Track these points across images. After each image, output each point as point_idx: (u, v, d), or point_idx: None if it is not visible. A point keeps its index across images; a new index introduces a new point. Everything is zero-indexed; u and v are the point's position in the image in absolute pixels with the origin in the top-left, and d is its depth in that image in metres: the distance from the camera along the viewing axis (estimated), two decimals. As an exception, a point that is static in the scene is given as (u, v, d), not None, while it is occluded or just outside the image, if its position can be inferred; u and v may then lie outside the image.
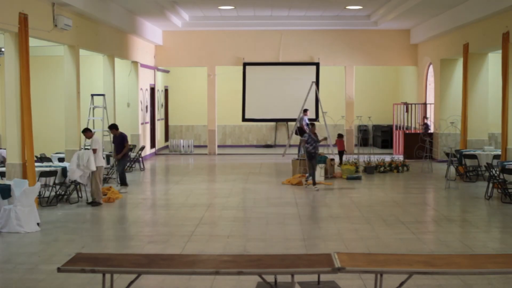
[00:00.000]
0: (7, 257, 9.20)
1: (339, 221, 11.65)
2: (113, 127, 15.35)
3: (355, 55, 24.78)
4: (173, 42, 24.75)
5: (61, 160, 15.68)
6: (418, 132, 23.00)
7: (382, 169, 18.67)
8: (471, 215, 12.40)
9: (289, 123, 27.76)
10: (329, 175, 17.55)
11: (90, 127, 16.07)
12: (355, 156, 20.58)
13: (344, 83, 25.16)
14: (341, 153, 19.87)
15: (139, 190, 16.18)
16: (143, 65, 22.46)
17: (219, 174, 19.92)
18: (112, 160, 16.67)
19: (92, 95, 17.25)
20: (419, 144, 20.63)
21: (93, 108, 17.19)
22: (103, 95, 17.03)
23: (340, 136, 20.26)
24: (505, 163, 13.57)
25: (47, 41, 14.46)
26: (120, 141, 15.22)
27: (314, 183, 15.55)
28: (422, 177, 17.86)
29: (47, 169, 13.28)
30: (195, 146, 26.51)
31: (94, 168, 13.23)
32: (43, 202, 13.13)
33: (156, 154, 24.60)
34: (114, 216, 12.71)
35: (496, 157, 16.01)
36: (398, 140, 24.13)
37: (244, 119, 25.08)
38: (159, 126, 25.77)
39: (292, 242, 10.02)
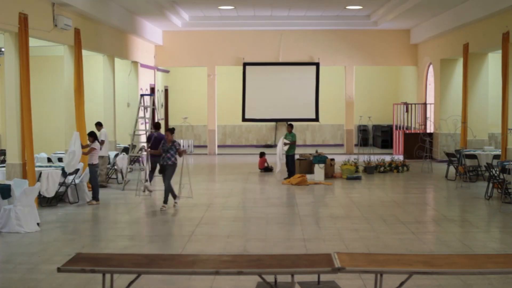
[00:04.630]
0: (7, 257, 9.19)
1: (339, 221, 11.65)
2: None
3: (355, 55, 24.78)
4: (173, 42, 24.76)
5: (61, 160, 15.68)
6: (418, 132, 23.01)
7: (382, 169, 18.68)
8: (471, 215, 12.40)
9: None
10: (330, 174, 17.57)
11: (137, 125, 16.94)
12: (355, 156, 20.59)
13: (344, 83, 25.16)
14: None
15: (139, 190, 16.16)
16: (143, 65, 22.46)
17: (219, 174, 19.93)
18: (112, 159, 16.67)
19: (142, 95, 17.13)
20: (419, 144, 20.64)
21: (144, 108, 16.92)
22: (151, 95, 18.07)
23: (262, 154, 19.66)
24: (505, 163, 13.56)
25: (47, 41, 14.46)
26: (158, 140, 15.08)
27: (169, 200, 13.17)
28: (422, 177, 17.85)
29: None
30: (195, 146, 26.52)
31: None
32: (43, 202, 13.13)
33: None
34: (114, 216, 12.71)
35: (496, 157, 16.01)
36: (398, 140, 24.13)
37: (244, 119, 25.07)
38: (159, 126, 25.73)
39: (292, 242, 10.01)
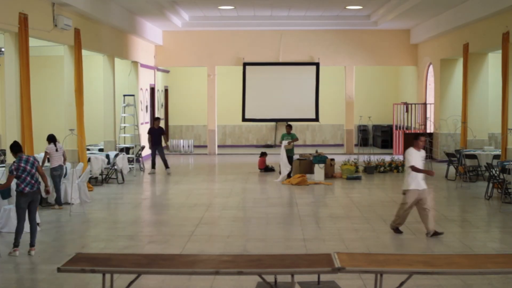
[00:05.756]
0: (7, 257, 9.19)
1: (339, 221, 11.65)
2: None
3: (355, 55, 24.77)
4: (173, 42, 24.75)
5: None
6: (418, 132, 23.00)
7: (382, 169, 18.67)
8: (471, 215, 12.40)
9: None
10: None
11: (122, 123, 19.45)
12: (355, 156, 20.58)
13: (344, 83, 25.16)
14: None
15: (139, 190, 16.18)
16: (143, 65, 22.45)
17: (219, 174, 19.92)
18: (112, 159, 16.66)
19: (124, 95, 19.75)
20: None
21: (125, 106, 19.57)
22: (133, 95, 19.79)
23: (263, 154, 19.59)
24: (505, 163, 13.56)
25: (47, 41, 14.46)
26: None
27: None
28: (422, 177, 17.82)
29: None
30: (195, 146, 26.51)
31: None
32: (43, 202, 13.11)
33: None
34: (114, 216, 12.71)
35: (496, 157, 16.01)
36: (398, 140, 24.13)
37: (244, 119, 25.06)
38: (159, 126, 25.73)
39: (292, 242, 10.02)
